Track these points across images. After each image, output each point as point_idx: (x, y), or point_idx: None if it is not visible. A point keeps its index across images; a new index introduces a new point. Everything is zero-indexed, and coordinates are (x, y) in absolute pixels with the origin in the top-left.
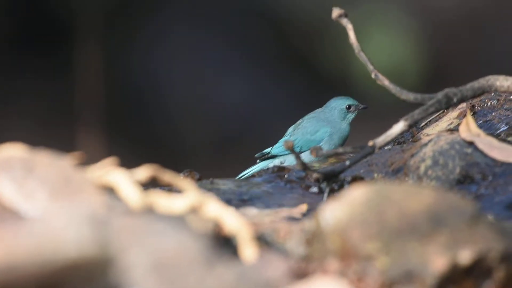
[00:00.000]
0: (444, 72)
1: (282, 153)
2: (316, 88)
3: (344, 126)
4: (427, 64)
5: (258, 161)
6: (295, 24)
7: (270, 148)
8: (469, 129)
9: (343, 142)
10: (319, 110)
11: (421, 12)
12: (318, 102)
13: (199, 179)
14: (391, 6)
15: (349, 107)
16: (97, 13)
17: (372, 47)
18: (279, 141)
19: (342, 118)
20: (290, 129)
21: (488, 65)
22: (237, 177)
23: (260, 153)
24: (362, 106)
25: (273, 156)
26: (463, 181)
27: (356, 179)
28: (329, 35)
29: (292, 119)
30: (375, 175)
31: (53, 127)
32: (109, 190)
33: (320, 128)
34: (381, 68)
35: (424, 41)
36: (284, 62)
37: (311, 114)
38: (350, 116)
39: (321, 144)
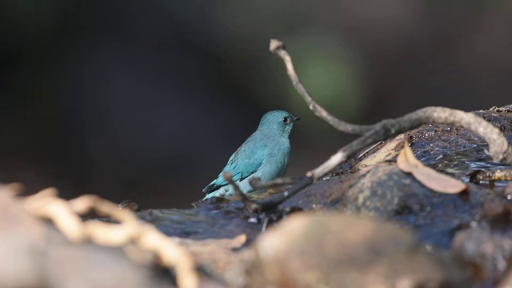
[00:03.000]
0: (382, 103)
1: (225, 182)
2: (254, 119)
3: (283, 140)
4: (366, 96)
5: (207, 194)
6: (233, 55)
7: (215, 180)
8: (407, 160)
9: (287, 157)
10: (256, 131)
11: (360, 43)
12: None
13: (137, 210)
14: (330, 38)
15: (285, 119)
16: (42, 47)
17: (311, 79)
18: (223, 170)
19: (281, 131)
20: (232, 156)
21: (426, 97)
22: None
23: (207, 186)
24: (296, 118)
25: (219, 187)
26: (401, 212)
27: (295, 210)
28: (267, 67)
29: (231, 149)
30: (314, 206)
31: None
32: (48, 221)
33: (257, 151)
34: (319, 100)
35: (363, 72)
36: (222, 93)
37: (249, 138)
38: (288, 129)
39: (262, 165)
